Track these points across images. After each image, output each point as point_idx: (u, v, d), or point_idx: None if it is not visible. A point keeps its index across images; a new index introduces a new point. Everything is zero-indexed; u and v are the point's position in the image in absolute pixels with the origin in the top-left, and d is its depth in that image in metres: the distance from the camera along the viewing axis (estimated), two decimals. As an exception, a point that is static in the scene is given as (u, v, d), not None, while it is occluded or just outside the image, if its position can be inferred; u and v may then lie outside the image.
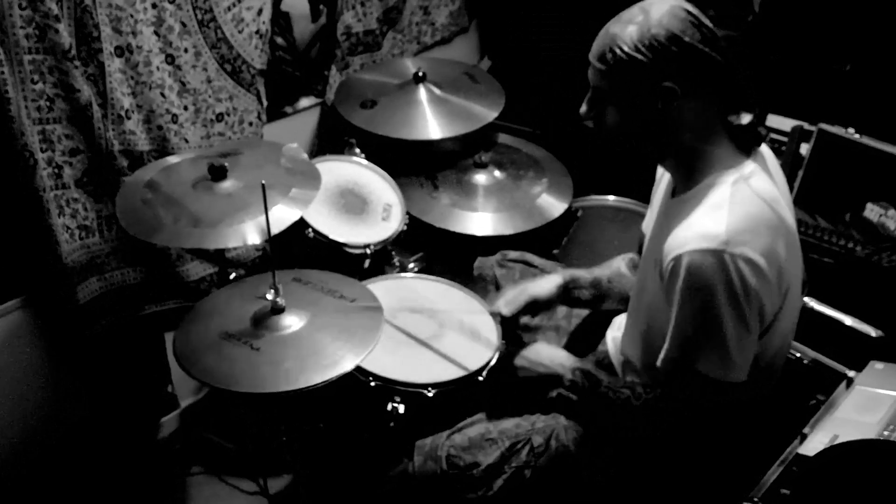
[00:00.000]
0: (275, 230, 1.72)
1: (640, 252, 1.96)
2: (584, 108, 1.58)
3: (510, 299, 1.97)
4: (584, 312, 2.11)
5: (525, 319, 2.05)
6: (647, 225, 1.87)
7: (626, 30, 1.45)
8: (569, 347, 2.04)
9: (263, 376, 1.58)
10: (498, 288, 2.21)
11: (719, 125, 1.51)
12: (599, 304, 2.01)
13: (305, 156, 2.07)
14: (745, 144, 1.53)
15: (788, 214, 1.53)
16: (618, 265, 2.00)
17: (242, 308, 1.74)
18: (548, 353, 1.81)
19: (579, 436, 1.73)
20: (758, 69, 2.45)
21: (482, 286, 2.23)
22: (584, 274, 1.98)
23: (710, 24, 1.44)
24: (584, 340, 2.05)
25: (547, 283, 1.96)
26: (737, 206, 1.43)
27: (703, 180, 1.51)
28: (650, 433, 1.63)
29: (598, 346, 1.98)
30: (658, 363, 1.53)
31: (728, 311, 1.40)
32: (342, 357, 1.61)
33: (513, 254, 2.27)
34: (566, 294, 1.97)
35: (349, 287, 1.82)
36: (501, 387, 1.91)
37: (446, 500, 1.75)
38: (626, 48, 1.44)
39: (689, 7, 1.45)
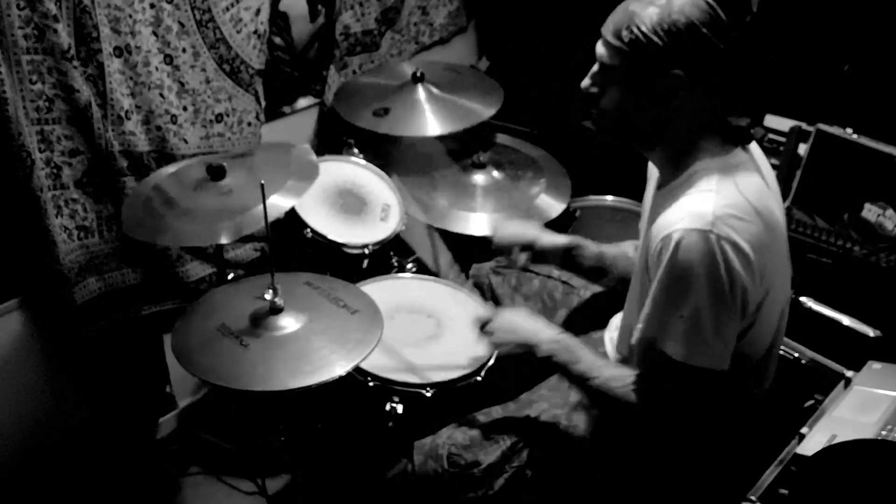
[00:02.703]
0: (270, 219, 1.72)
1: None
2: (587, 82, 1.56)
3: (513, 231, 1.99)
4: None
5: (518, 258, 2.02)
6: (642, 225, 1.87)
7: (646, 10, 1.43)
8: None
9: (244, 373, 1.59)
10: (494, 295, 2.21)
11: (715, 121, 1.51)
12: (599, 278, 2.01)
13: (313, 157, 2.07)
14: (735, 140, 1.53)
15: (776, 207, 1.53)
16: (626, 248, 2.00)
17: (245, 304, 1.75)
18: (523, 320, 1.76)
19: (580, 435, 1.73)
20: (756, 69, 2.45)
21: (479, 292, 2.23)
22: (590, 245, 1.98)
23: (730, 23, 1.42)
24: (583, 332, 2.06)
25: (552, 237, 1.98)
26: (724, 192, 1.44)
27: (690, 168, 1.51)
28: (642, 423, 1.61)
29: (598, 348, 1.98)
30: (632, 341, 1.52)
31: (707, 291, 1.40)
32: (323, 367, 1.60)
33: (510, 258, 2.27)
34: (567, 256, 1.98)
35: (354, 297, 1.81)
36: (500, 386, 1.91)
37: (447, 500, 1.75)
38: (644, 28, 1.43)
39: (713, 1, 1.43)
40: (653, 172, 1.74)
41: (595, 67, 1.54)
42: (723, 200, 1.42)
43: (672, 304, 1.44)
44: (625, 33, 1.45)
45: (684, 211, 1.43)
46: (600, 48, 1.51)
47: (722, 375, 1.47)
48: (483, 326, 1.80)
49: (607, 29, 1.49)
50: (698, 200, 1.43)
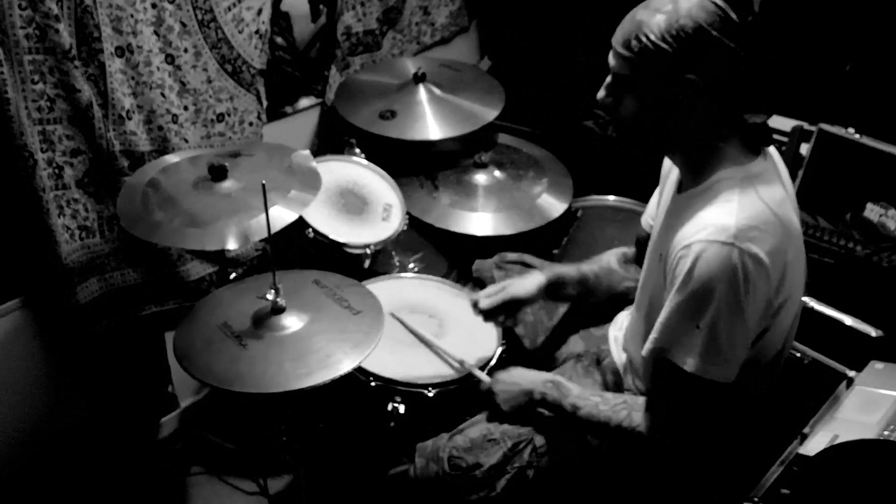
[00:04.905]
0: (266, 231, 1.72)
1: (636, 247, 1.96)
2: (602, 94, 1.55)
3: (489, 293, 1.97)
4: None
5: (503, 320, 2.04)
6: (647, 220, 1.87)
7: (653, 18, 1.43)
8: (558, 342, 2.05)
9: (240, 375, 1.59)
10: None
11: (733, 122, 1.50)
12: (587, 300, 2.01)
13: (314, 163, 2.06)
14: (755, 143, 1.53)
15: (795, 217, 1.53)
16: (608, 260, 2.00)
17: (249, 304, 1.74)
18: (520, 373, 1.82)
19: (581, 435, 1.73)
20: (768, 66, 2.45)
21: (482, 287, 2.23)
22: (569, 271, 1.98)
23: (739, 20, 1.41)
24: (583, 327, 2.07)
25: (529, 283, 1.96)
26: (746, 204, 1.43)
27: (712, 176, 1.50)
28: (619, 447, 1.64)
29: (601, 346, 1.98)
30: (643, 352, 1.52)
31: (726, 303, 1.40)
32: (319, 370, 1.60)
33: (511, 255, 2.27)
34: (552, 291, 1.97)
35: (359, 297, 1.80)
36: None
37: (449, 502, 1.75)
38: (652, 37, 1.42)
39: (719, 0, 1.42)
40: (669, 173, 1.73)
41: (609, 79, 1.53)
42: (745, 212, 1.42)
43: (689, 315, 1.44)
44: (634, 43, 1.44)
45: (706, 223, 1.42)
46: (612, 59, 1.51)
47: (727, 388, 1.47)
48: (488, 393, 1.84)
49: (617, 40, 1.49)
50: (721, 213, 1.43)
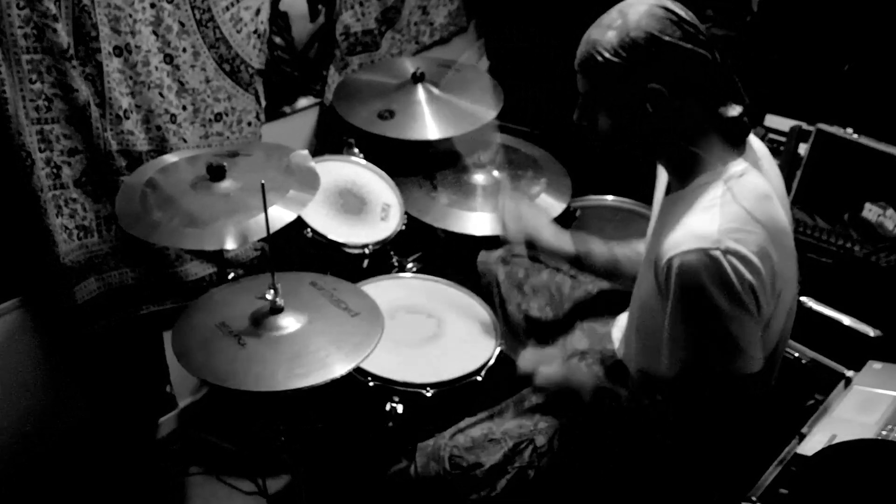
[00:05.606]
0: (265, 231, 1.72)
1: None
2: (576, 115, 1.58)
3: (520, 227, 1.98)
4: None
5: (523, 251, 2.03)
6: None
7: (605, 35, 1.45)
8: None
9: (238, 372, 1.59)
10: (498, 285, 2.20)
11: (709, 121, 1.50)
12: (614, 279, 2.01)
13: (312, 163, 2.06)
14: (735, 138, 1.52)
15: (782, 213, 1.52)
16: (638, 247, 1.99)
17: (247, 304, 1.74)
18: (565, 372, 1.80)
19: (581, 434, 1.73)
20: (756, 69, 2.45)
21: (485, 281, 2.22)
22: (601, 250, 1.96)
23: (692, 19, 1.43)
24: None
25: (559, 240, 1.97)
26: (728, 206, 1.43)
27: (696, 179, 1.50)
28: (673, 438, 1.62)
29: (605, 344, 1.97)
30: (665, 369, 1.52)
31: (725, 303, 1.39)
32: (316, 370, 1.60)
33: (518, 249, 2.26)
34: (578, 262, 1.97)
35: (356, 299, 1.80)
36: (502, 387, 1.91)
37: (449, 501, 1.75)
38: (606, 54, 1.44)
39: (668, 4, 1.43)
40: (661, 174, 1.74)
41: (580, 99, 1.56)
42: (727, 216, 1.42)
43: (695, 325, 1.44)
44: (591, 62, 1.47)
45: (688, 231, 1.43)
46: (578, 80, 1.54)
47: (757, 377, 1.47)
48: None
49: (577, 62, 1.52)
50: (703, 220, 1.43)
